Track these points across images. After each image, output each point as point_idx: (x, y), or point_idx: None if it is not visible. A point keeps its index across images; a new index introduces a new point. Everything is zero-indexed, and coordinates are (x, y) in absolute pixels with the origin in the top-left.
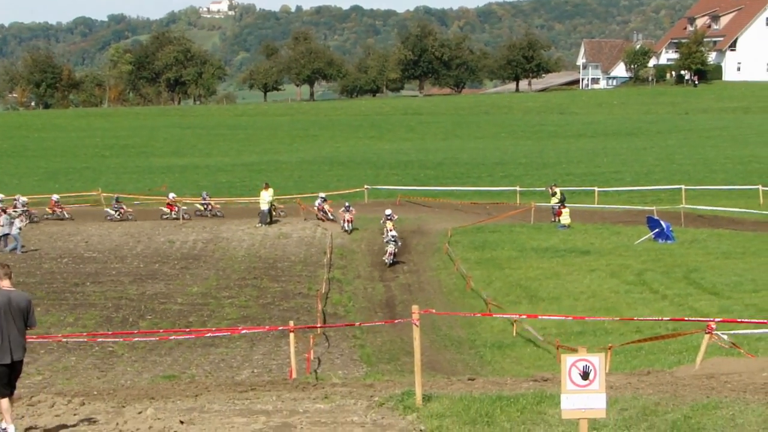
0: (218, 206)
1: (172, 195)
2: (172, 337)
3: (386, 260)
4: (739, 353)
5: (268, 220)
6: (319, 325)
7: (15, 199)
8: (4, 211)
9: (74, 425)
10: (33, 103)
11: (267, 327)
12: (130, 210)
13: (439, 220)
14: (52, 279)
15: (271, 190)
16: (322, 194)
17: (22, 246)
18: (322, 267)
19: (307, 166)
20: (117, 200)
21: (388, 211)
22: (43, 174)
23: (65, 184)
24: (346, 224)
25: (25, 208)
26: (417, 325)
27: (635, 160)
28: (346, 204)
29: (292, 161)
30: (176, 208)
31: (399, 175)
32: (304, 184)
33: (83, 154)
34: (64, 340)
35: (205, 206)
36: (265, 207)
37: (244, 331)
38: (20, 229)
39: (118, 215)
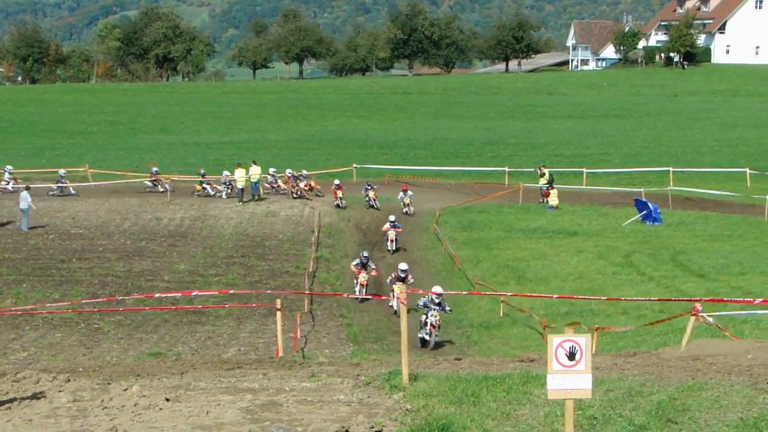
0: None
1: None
2: (160, 297)
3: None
4: (725, 335)
5: (254, 197)
6: (305, 305)
7: (3, 170)
8: (28, 189)
9: (59, 402)
10: (20, 78)
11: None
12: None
13: (428, 199)
14: (38, 255)
15: (258, 168)
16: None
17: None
18: (309, 245)
19: (295, 144)
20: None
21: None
22: (30, 150)
23: (52, 160)
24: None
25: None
26: (404, 304)
27: (624, 141)
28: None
29: (281, 139)
30: (161, 181)
31: (388, 155)
32: (292, 163)
33: (70, 130)
34: (48, 313)
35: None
36: (241, 185)
37: (228, 307)
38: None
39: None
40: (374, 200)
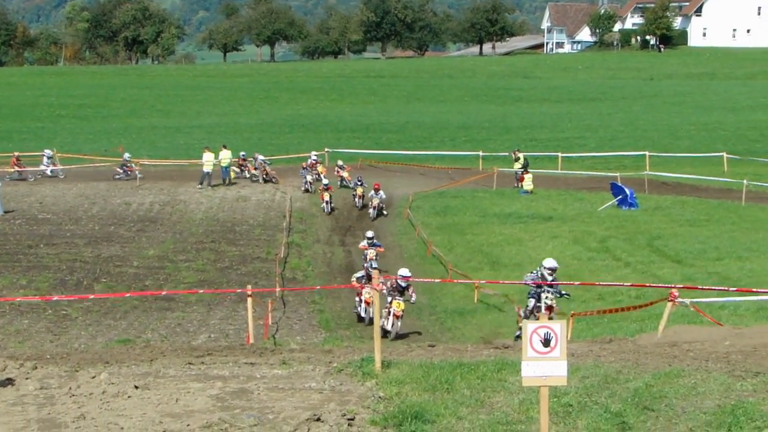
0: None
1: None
2: (127, 294)
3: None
4: (702, 321)
5: (224, 182)
6: (277, 289)
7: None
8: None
9: (26, 389)
10: None
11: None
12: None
13: (401, 184)
14: (5, 240)
15: (228, 153)
16: (242, 153)
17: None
18: (281, 231)
19: (267, 128)
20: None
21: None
22: None
23: (19, 144)
24: (347, 182)
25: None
26: (377, 290)
27: (599, 125)
28: (339, 163)
29: (252, 123)
30: (132, 168)
31: (360, 139)
32: (263, 147)
33: (38, 113)
34: (17, 301)
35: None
36: (208, 169)
37: (201, 292)
38: None
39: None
40: (348, 180)
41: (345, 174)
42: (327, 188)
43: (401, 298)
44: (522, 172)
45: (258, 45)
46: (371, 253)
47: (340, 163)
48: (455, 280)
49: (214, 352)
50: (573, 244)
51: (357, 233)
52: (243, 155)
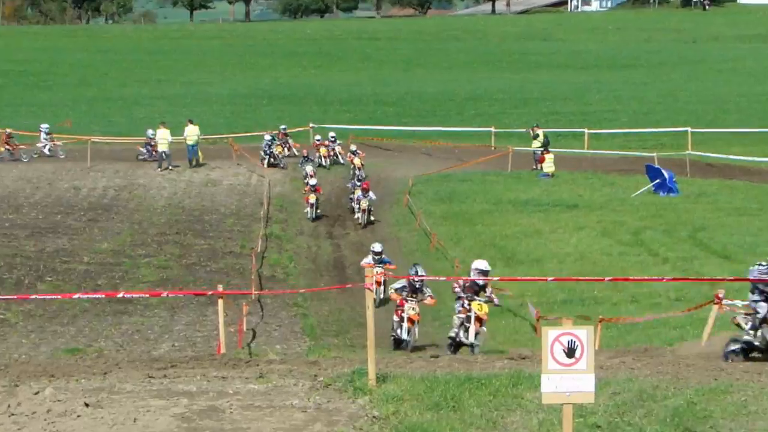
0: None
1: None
2: (77, 295)
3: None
4: None
5: (191, 162)
6: (253, 291)
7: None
8: None
9: None
10: None
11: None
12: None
13: (399, 166)
14: None
15: (196, 128)
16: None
17: None
18: (257, 221)
19: (241, 100)
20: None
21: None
22: None
23: None
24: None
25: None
26: (371, 290)
27: (633, 97)
28: (353, 147)
29: (223, 94)
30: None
31: (351, 113)
32: (237, 122)
33: None
34: None
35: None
36: (163, 148)
37: (165, 295)
38: None
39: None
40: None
41: (357, 161)
42: (315, 189)
43: (481, 299)
44: (542, 151)
45: (230, 1)
46: (379, 273)
47: (353, 147)
48: (462, 277)
49: (178, 364)
50: (602, 236)
51: (347, 223)
52: (284, 129)
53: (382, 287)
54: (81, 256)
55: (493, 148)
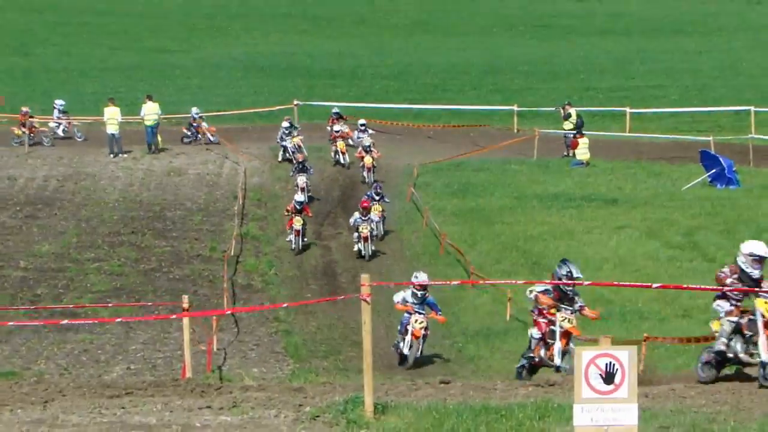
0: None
1: (195, 110)
2: (11, 324)
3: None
4: None
5: (150, 147)
6: (226, 310)
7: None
8: None
9: None
10: None
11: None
12: None
13: (401, 152)
14: None
15: (155, 106)
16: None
17: None
18: (231, 218)
19: (210, 72)
20: None
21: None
22: None
23: None
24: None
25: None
26: (368, 303)
27: (684, 69)
28: (367, 142)
29: (189, 65)
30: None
31: (343, 87)
32: (205, 97)
33: None
34: None
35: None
36: (113, 130)
37: (114, 305)
38: None
39: None
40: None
41: (369, 161)
42: (302, 209)
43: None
44: (574, 135)
45: None
46: (419, 324)
47: (367, 142)
48: (479, 280)
49: (135, 391)
50: (647, 237)
51: (340, 221)
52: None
53: (421, 341)
54: (16, 260)
55: (515, 131)
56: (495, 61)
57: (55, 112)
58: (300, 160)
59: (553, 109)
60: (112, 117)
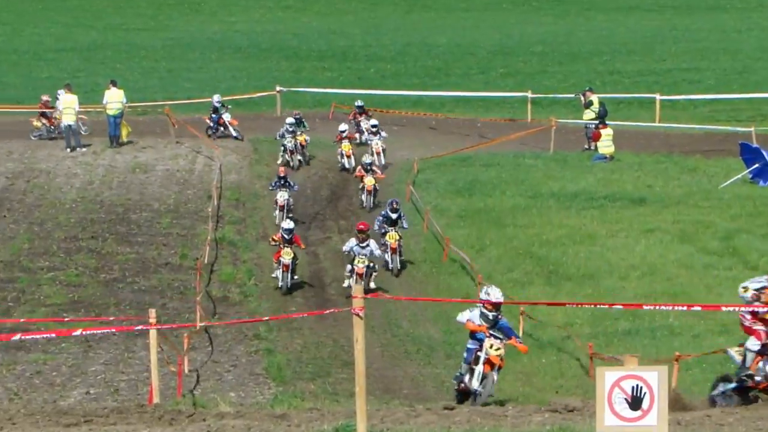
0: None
1: (217, 98)
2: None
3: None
4: None
5: (112, 141)
6: (198, 324)
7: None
8: None
9: None
10: None
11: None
12: None
13: (399, 145)
14: None
15: (120, 93)
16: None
17: None
18: (204, 221)
19: (180, 53)
20: None
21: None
22: None
23: None
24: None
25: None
26: (361, 317)
27: (723, 49)
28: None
29: (157, 45)
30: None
31: (333, 71)
32: (176, 83)
33: None
34: None
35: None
36: (70, 120)
37: (77, 331)
38: None
39: None
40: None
41: (370, 182)
42: (291, 239)
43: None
44: (596, 125)
45: None
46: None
47: (378, 148)
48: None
49: (95, 418)
50: (680, 242)
51: (329, 224)
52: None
53: (494, 374)
54: None
55: (529, 121)
56: (505, 41)
57: (59, 102)
58: (281, 174)
59: (573, 95)
60: (69, 106)
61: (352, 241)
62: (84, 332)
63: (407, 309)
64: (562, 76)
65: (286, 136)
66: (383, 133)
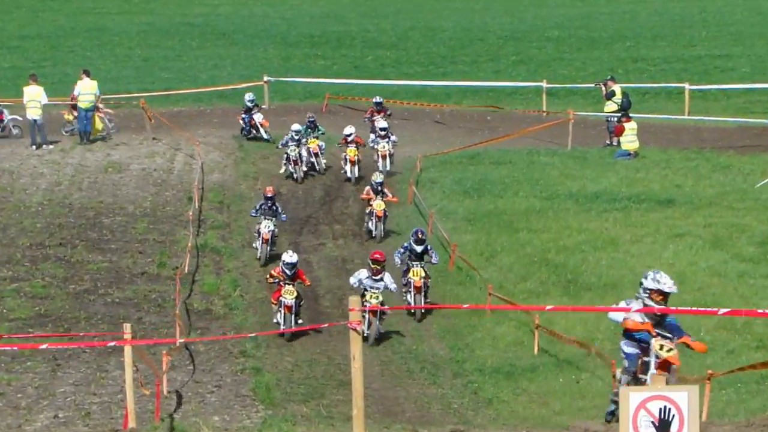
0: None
1: (250, 96)
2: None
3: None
4: None
5: (82, 138)
6: (177, 339)
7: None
8: None
9: None
10: None
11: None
12: None
13: (401, 140)
14: None
15: (93, 84)
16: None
17: None
18: (185, 225)
19: (157, 39)
20: None
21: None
22: None
23: None
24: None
25: None
26: (359, 333)
27: (759, 33)
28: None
29: (131, 30)
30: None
31: (327, 59)
32: (152, 72)
33: None
34: None
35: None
36: (36, 116)
37: (44, 346)
38: None
39: None
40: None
41: (379, 206)
42: (294, 276)
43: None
44: (619, 118)
45: None
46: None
47: (386, 151)
48: (498, 306)
49: None
50: (712, 248)
51: (322, 229)
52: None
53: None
54: None
55: (544, 114)
56: (518, 25)
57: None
58: (268, 194)
59: (592, 85)
60: (34, 98)
61: (363, 273)
62: (51, 347)
63: (409, 323)
64: (581, 63)
65: (290, 144)
66: (393, 137)
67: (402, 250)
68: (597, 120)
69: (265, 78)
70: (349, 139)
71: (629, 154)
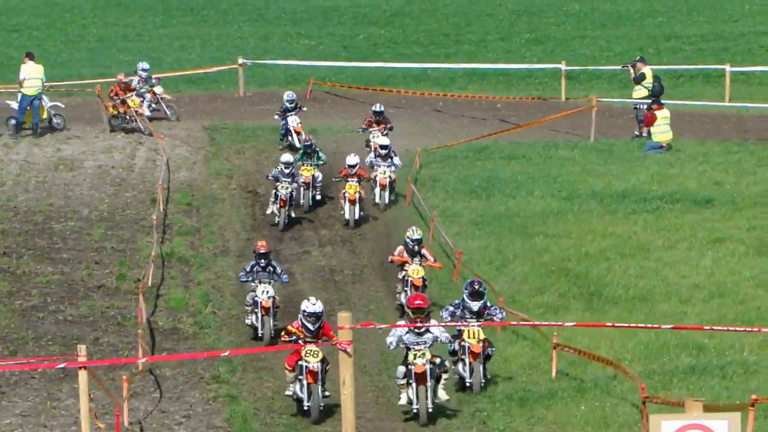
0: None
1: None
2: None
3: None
4: None
5: (35, 129)
6: (140, 358)
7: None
8: None
9: None
10: None
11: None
12: None
13: (397, 131)
14: None
15: (39, 69)
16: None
17: None
18: (148, 231)
19: (115, 16)
20: None
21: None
22: None
23: None
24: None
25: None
26: (349, 354)
27: None
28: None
29: (86, 7)
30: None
31: (311, 38)
32: (109, 54)
33: None
34: None
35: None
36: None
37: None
38: None
39: None
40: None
41: (427, 250)
42: (318, 333)
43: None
44: (650, 106)
45: None
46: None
47: (385, 179)
48: (510, 323)
49: None
50: (756, 254)
51: (307, 235)
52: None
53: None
54: None
55: (563, 101)
56: (531, 0)
57: (135, 81)
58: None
59: (619, 68)
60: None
61: (399, 331)
62: None
63: None
64: (605, 42)
65: (281, 179)
66: (396, 159)
67: (452, 308)
68: (624, 107)
69: (240, 60)
70: (352, 171)
71: (661, 147)
